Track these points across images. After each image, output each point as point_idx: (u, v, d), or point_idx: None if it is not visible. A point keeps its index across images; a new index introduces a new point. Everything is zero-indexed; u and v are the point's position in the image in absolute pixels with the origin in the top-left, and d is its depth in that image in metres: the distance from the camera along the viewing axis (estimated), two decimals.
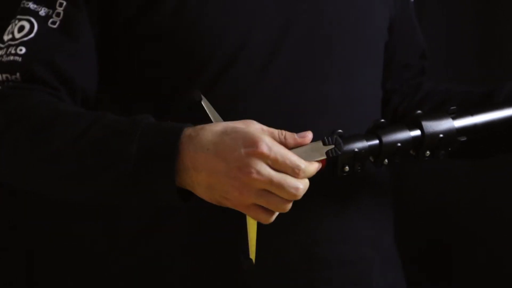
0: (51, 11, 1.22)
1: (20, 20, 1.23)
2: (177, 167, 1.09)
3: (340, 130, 1.12)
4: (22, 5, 1.24)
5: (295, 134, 1.11)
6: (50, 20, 1.22)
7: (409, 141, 1.16)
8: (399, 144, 1.15)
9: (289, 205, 1.10)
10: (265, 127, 1.11)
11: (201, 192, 1.10)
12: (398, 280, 1.37)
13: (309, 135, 1.11)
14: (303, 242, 1.23)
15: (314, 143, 1.11)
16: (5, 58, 1.21)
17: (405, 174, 1.72)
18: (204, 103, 1.14)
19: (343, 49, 1.28)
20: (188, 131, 1.11)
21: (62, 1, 1.22)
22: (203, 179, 1.09)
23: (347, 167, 1.13)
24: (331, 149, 1.11)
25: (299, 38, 1.24)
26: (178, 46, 1.22)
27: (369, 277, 1.29)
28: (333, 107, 1.25)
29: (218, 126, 1.11)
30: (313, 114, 1.23)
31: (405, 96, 1.42)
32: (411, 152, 1.18)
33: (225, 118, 1.14)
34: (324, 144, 1.11)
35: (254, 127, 1.10)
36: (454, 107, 1.19)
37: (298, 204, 1.12)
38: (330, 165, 1.12)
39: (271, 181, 1.07)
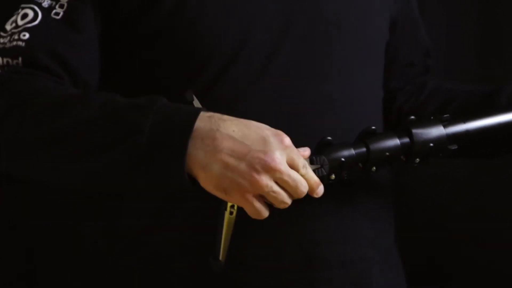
0: (54, 3, 1.21)
1: (23, 8, 1.22)
2: (192, 142, 1.08)
3: (329, 138, 1.13)
4: None
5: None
6: (53, 11, 1.21)
7: (398, 149, 1.16)
8: (387, 153, 1.15)
9: (289, 203, 1.11)
10: None
11: (212, 174, 1.08)
12: (398, 280, 1.37)
13: (307, 151, 1.13)
14: (303, 242, 1.23)
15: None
16: (8, 45, 1.20)
17: (405, 174, 1.72)
18: (195, 104, 1.14)
19: (343, 49, 1.28)
20: (208, 113, 1.10)
21: None
22: (222, 158, 1.08)
23: (333, 176, 1.14)
24: (317, 169, 1.12)
25: (299, 38, 1.24)
26: (178, 45, 1.22)
27: (369, 277, 1.29)
28: (333, 107, 1.25)
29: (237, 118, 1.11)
30: (313, 114, 1.23)
31: (410, 95, 1.42)
32: (402, 157, 1.18)
33: None
34: (311, 163, 1.12)
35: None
36: (448, 115, 1.19)
37: (299, 204, 1.12)
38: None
39: (289, 175, 1.08)
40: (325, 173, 1.12)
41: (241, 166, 1.08)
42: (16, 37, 1.19)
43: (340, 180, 1.14)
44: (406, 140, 1.17)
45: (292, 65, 1.24)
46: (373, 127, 1.16)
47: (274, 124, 1.12)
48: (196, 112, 1.10)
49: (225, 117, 1.10)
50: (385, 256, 1.32)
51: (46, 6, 1.21)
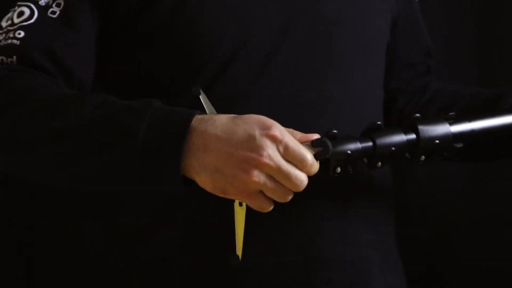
0: (51, 1, 1.21)
1: (19, 6, 1.21)
2: (186, 147, 1.08)
3: (334, 131, 1.12)
4: None
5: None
6: (50, 10, 1.21)
7: (404, 145, 1.15)
8: (393, 148, 1.14)
9: (291, 196, 1.09)
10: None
11: (206, 177, 1.09)
12: (398, 280, 1.37)
13: (314, 136, 1.11)
14: (303, 243, 1.22)
15: (305, 144, 1.11)
16: (3, 43, 1.19)
17: (405, 175, 1.72)
18: (202, 98, 1.14)
19: (343, 49, 1.28)
20: (201, 115, 1.10)
21: None
22: (211, 161, 1.08)
23: (338, 169, 1.12)
24: (318, 152, 1.10)
25: (298, 38, 1.24)
26: (177, 44, 1.21)
27: (369, 277, 1.28)
28: (333, 106, 1.25)
29: (231, 115, 1.10)
30: (313, 114, 1.23)
31: (412, 96, 1.42)
32: (407, 155, 1.17)
33: None
34: (313, 145, 1.11)
35: (265, 117, 1.10)
36: (453, 113, 1.19)
37: (299, 204, 1.12)
38: (322, 166, 1.12)
39: (279, 168, 1.07)
40: (326, 156, 1.10)
41: (229, 168, 1.07)
42: (11, 35, 1.19)
43: (345, 174, 1.13)
44: (412, 136, 1.16)
45: (292, 65, 1.24)
46: (379, 122, 1.15)
47: None
48: (190, 115, 1.10)
49: (216, 116, 1.10)
50: (385, 257, 1.32)
51: (43, 4, 1.21)
